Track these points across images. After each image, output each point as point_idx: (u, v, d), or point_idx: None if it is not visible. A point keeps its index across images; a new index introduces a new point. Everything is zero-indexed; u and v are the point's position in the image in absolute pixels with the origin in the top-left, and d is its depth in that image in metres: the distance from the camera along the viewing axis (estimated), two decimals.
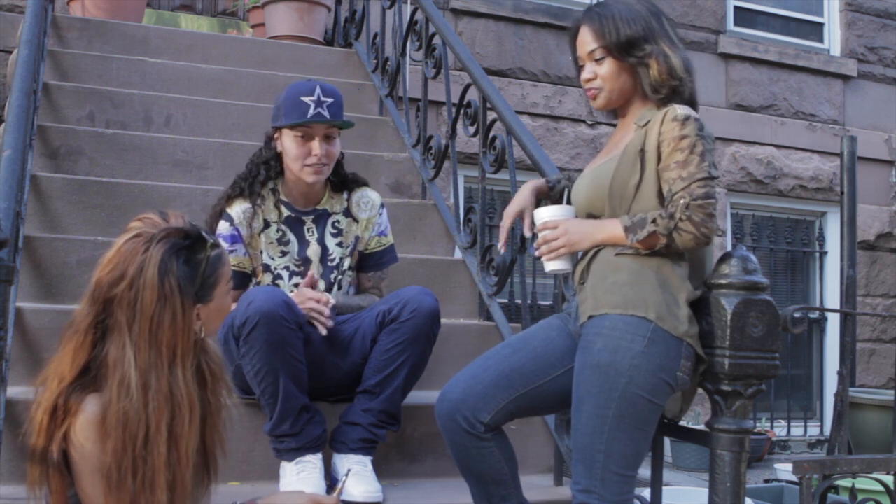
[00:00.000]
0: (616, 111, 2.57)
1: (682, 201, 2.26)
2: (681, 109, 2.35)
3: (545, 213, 2.52)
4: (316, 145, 3.08)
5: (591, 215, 2.47)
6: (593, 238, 2.41)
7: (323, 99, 3.08)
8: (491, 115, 3.82)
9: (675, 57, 2.43)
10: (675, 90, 2.43)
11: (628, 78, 2.47)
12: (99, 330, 1.94)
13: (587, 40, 2.50)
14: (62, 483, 1.93)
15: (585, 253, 2.45)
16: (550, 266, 2.50)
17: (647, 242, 2.31)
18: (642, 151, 2.35)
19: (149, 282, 1.88)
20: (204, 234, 2.01)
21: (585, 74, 2.53)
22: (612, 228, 2.37)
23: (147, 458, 1.89)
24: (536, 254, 2.52)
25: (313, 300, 3.00)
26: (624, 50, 2.44)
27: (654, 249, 2.32)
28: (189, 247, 1.96)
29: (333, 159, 3.16)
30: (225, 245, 3.08)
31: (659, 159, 2.33)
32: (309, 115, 3.06)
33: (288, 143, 3.11)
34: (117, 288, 1.90)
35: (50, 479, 1.92)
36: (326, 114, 3.07)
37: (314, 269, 3.17)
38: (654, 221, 2.28)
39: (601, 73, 2.48)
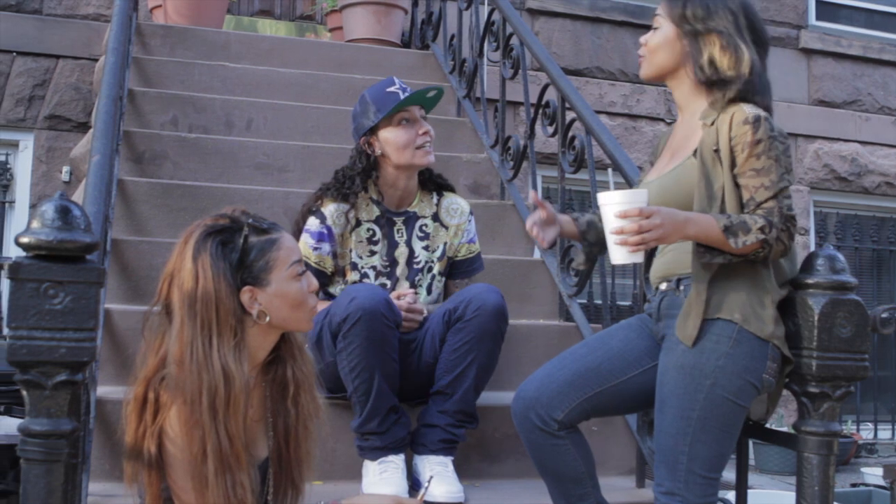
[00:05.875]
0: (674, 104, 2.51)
1: (779, 213, 2.22)
2: (749, 110, 2.28)
3: (625, 198, 2.21)
4: (422, 125, 3.15)
5: None
6: (684, 232, 2.22)
7: (404, 85, 3.18)
8: (570, 115, 3.80)
9: (744, 51, 2.34)
10: (726, 83, 2.34)
11: (678, 50, 2.42)
12: (167, 322, 2.07)
13: (659, 6, 2.48)
14: (157, 477, 1.98)
15: (654, 250, 2.40)
16: (627, 258, 2.24)
17: (749, 248, 2.22)
18: (716, 151, 2.29)
19: (186, 264, 2.02)
20: (249, 221, 2.09)
21: (643, 38, 2.52)
22: (705, 224, 2.21)
23: (217, 427, 1.95)
24: (619, 241, 2.20)
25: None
26: (685, 18, 2.40)
27: (745, 256, 2.24)
28: (223, 230, 2.06)
29: (433, 139, 3.21)
30: (311, 241, 3.12)
31: (733, 163, 2.28)
32: (402, 98, 3.12)
33: (391, 136, 3.14)
34: (168, 278, 2.06)
35: (146, 474, 1.98)
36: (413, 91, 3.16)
37: (400, 271, 3.20)
38: (761, 229, 2.20)
39: (656, 38, 2.46)
